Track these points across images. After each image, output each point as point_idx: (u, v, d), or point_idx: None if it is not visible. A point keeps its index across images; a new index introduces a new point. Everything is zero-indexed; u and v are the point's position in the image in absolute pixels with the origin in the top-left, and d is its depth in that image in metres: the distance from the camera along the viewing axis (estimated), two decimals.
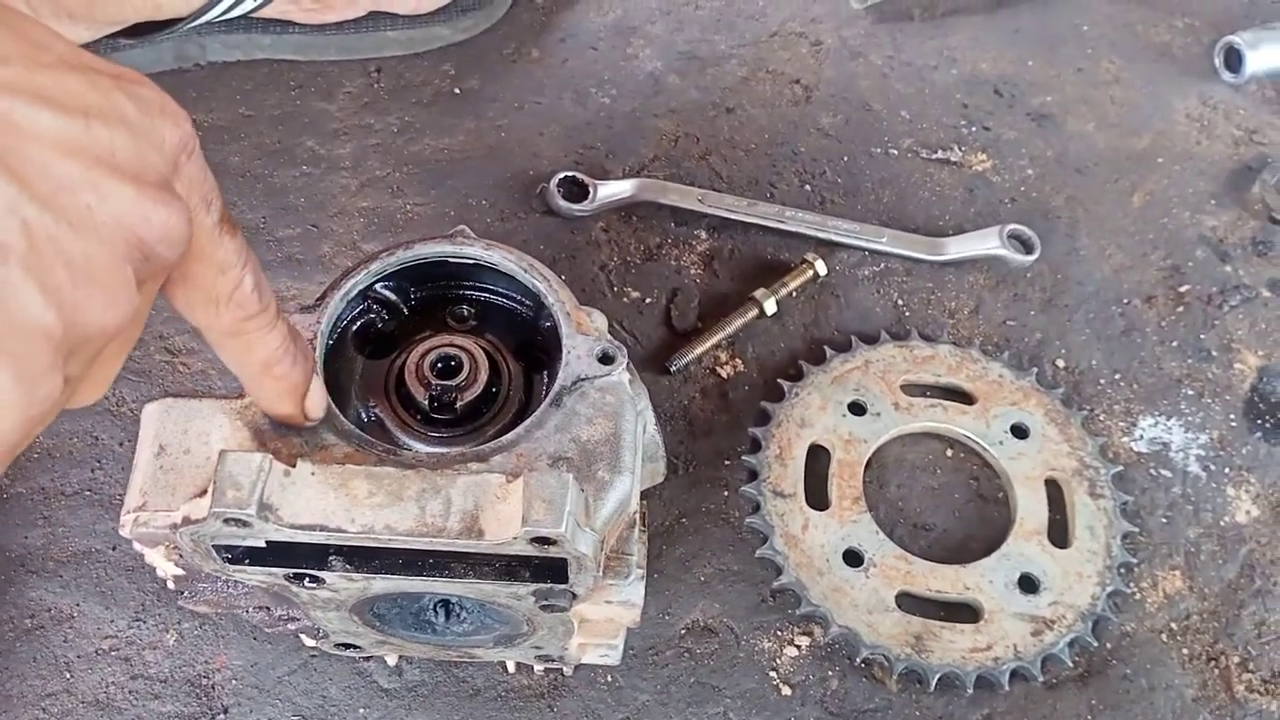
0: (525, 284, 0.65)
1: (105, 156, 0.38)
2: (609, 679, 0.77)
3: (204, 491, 0.55)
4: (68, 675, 0.76)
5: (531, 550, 0.53)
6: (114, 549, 0.80)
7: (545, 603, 0.59)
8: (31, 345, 0.35)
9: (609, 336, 0.63)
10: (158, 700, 0.75)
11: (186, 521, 0.53)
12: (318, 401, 0.56)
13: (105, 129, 0.38)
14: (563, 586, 0.57)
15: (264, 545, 0.55)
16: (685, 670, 0.77)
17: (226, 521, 0.52)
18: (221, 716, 0.75)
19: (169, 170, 0.41)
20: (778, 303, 0.92)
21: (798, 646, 0.79)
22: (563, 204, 0.97)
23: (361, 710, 0.75)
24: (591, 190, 0.98)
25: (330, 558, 0.57)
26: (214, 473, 0.52)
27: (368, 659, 0.76)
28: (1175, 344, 0.94)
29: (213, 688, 0.76)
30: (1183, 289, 0.97)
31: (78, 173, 0.37)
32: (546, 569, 0.57)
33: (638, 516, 0.62)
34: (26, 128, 0.36)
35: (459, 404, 0.62)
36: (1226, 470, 0.87)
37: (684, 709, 0.76)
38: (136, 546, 0.58)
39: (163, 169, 0.41)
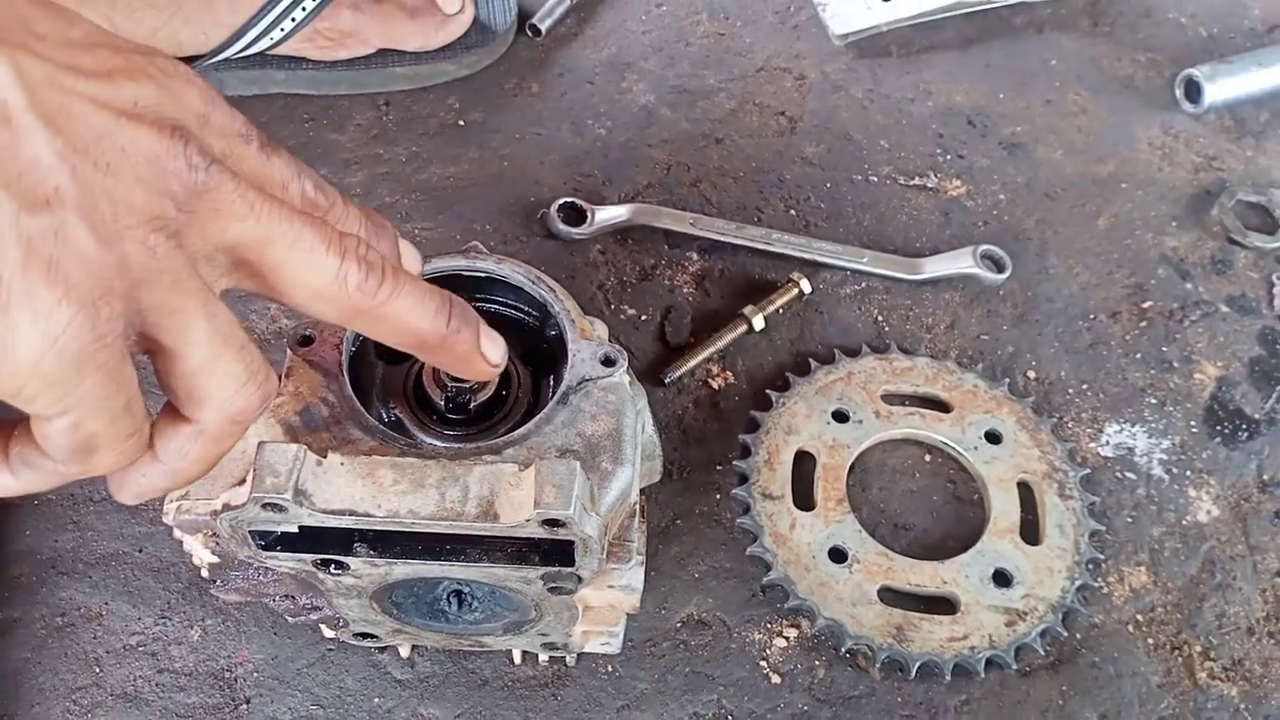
0: (533, 295, 0.70)
1: (129, 108, 0.43)
2: (609, 669, 0.81)
3: (242, 481, 0.60)
4: (97, 670, 0.80)
5: (542, 532, 0.58)
6: (140, 551, 0.85)
7: (553, 585, 0.64)
8: (88, 274, 0.39)
9: (610, 342, 0.68)
10: (183, 692, 0.80)
11: (227, 507, 0.58)
12: (495, 344, 0.56)
13: (131, 84, 0.43)
14: (569, 569, 0.62)
15: (295, 531, 0.60)
16: (681, 660, 0.82)
17: (264, 506, 0.57)
18: (244, 707, 0.79)
19: (193, 122, 0.46)
20: (765, 319, 0.97)
21: (786, 638, 0.83)
22: (562, 228, 1.03)
23: (376, 700, 0.79)
24: (589, 215, 1.03)
25: (355, 544, 0.62)
26: (253, 462, 0.57)
27: (382, 650, 0.81)
28: (1139, 356, 0.99)
29: (235, 680, 0.80)
30: (1146, 305, 1.03)
31: (109, 122, 0.42)
32: (555, 554, 0.62)
33: (638, 507, 0.67)
34: (67, 88, 0.41)
35: (472, 405, 0.67)
36: (1188, 473, 0.93)
37: (680, 696, 0.80)
38: (177, 534, 0.63)
39: (182, 118, 0.45)
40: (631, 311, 1.00)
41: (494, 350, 0.56)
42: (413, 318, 0.52)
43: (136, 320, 0.43)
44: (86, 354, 0.40)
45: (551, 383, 0.71)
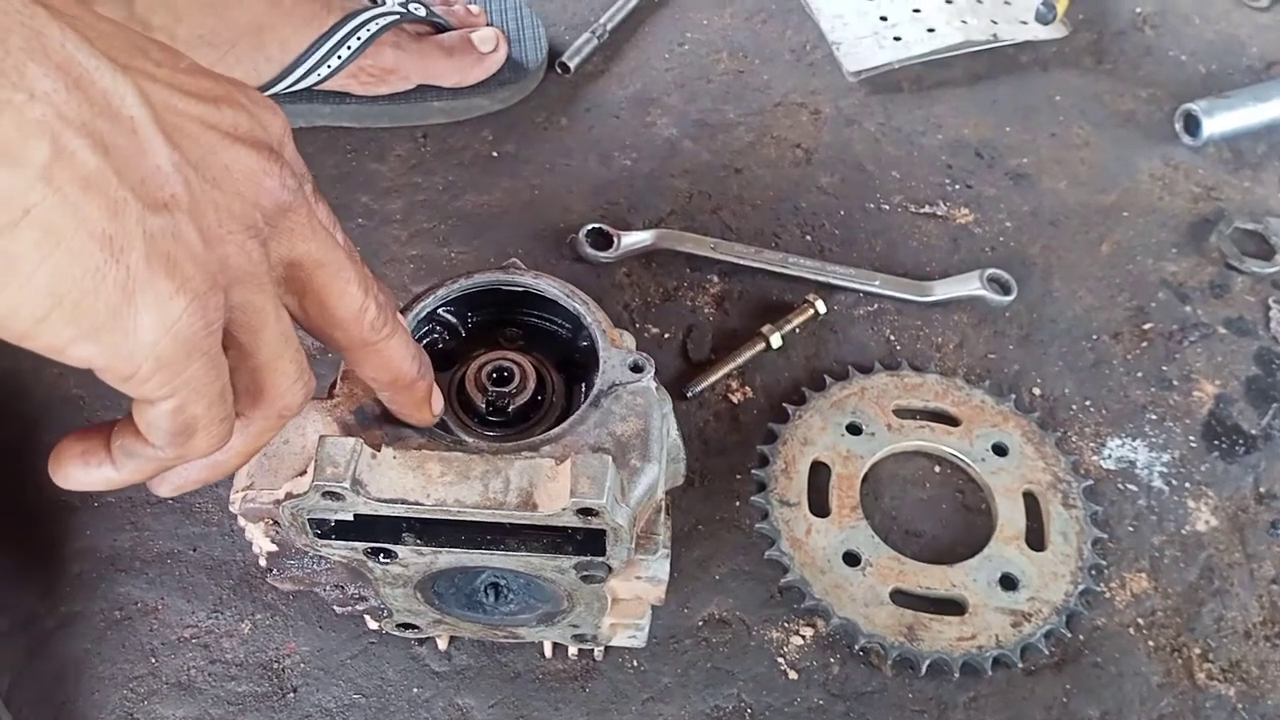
0: (567, 307, 0.76)
1: (232, 130, 0.49)
2: (635, 663, 0.86)
3: (303, 473, 0.65)
4: (153, 660, 0.85)
5: (577, 521, 0.63)
6: (194, 550, 0.90)
7: (586, 573, 0.69)
8: (199, 270, 0.45)
9: (638, 352, 0.74)
10: (234, 681, 0.84)
11: (289, 496, 0.63)
12: (438, 399, 0.67)
13: (231, 110, 0.49)
14: (601, 559, 0.67)
15: (350, 520, 0.65)
16: (703, 656, 0.86)
17: (324, 495, 0.62)
18: (291, 695, 0.84)
19: (276, 145, 0.52)
20: (782, 338, 1.03)
21: (802, 636, 0.88)
22: (590, 252, 1.09)
23: (415, 690, 0.84)
24: (616, 240, 1.09)
25: (403, 534, 0.67)
26: (314, 454, 0.62)
27: (421, 643, 0.86)
28: (1140, 374, 1.04)
29: (283, 670, 0.85)
30: (1146, 326, 1.07)
31: (216, 141, 0.48)
32: (587, 544, 0.67)
33: (664, 504, 0.72)
34: (181, 110, 0.47)
35: (511, 408, 0.73)
36: (1187, 485, 0.97)
37: (702, 690, 0.85)
38: (240, 522, 0.68)
39: (271, 142, 0.52)
40: (655, 330, 1.05)
41: (438, 403, 0.68)
42: (398, 358, 0.61)
43: (225, 317, 0.49)
44: (196, 340, 0.46)
45: (583, 389, 0.76)
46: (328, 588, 0.75)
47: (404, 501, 0.63)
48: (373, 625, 0.82)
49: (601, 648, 0.84)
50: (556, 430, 0.69)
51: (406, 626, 0.80)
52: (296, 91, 1.14)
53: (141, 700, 0.83)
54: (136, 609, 0.88)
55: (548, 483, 0.64)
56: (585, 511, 0.62)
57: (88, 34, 0.42)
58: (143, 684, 0.84)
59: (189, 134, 0.47)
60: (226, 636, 0.86)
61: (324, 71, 1.12)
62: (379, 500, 0.63)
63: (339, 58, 1.12)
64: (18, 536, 0.90)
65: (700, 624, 0.88)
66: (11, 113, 0.38)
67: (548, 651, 0.85)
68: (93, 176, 0.41)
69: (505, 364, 0.73)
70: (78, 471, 0.52)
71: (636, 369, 0.72)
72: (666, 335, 1.05)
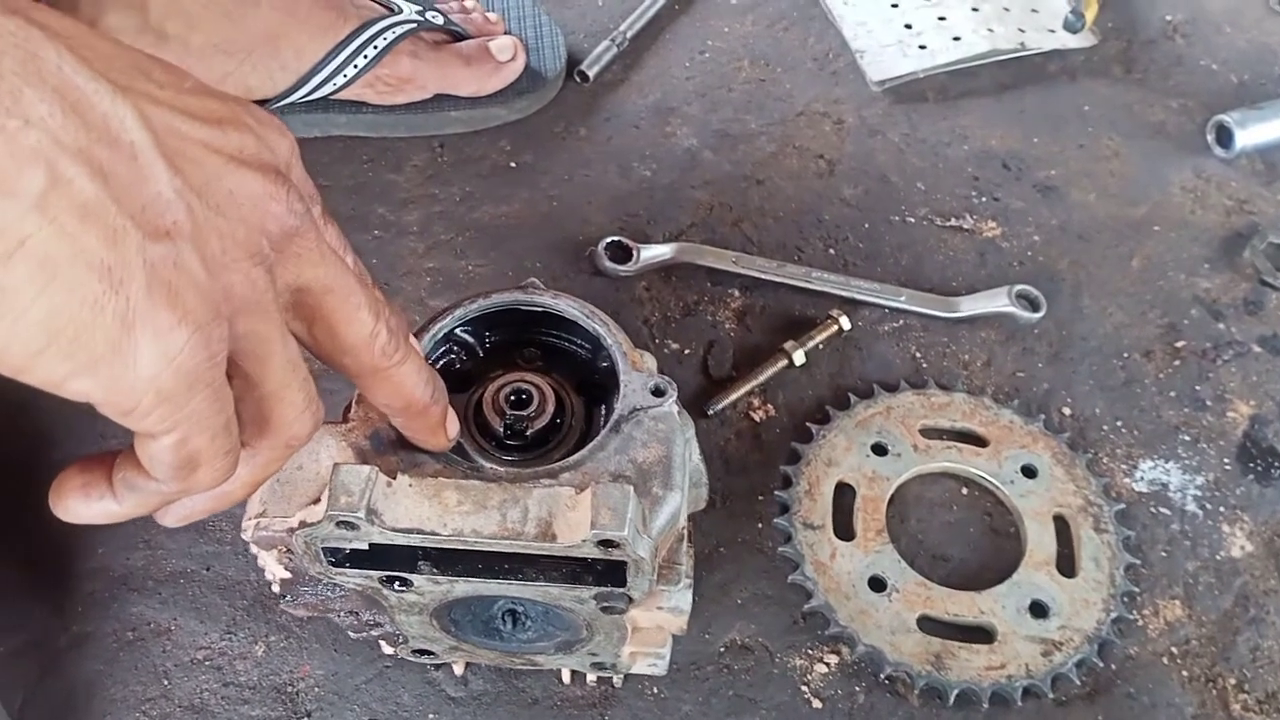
0: (586, 328, 0.74)
1: (237, 153, 0.47)
2: (655, 691, 0.84)
3: (317, 500, 0.64)
4: (165, 682, 0.84)
5: (597, 553, 0.62)
6: (208, 570, 0.89)
7: (605, 604, 0.67)
8: (201, 300, 0.43)
9: (659, 374, 0.72)
10: (247, 705, 0.83)
11: (303, 525, 0.62)
12: (454, 423, 0.65)
13: (236, 133, 0.48)
14: (621, 589, 0.65)
15: (365, 548, 0.63)
16: (724, 684, 0.84)
17: (339, 524, 0.61)
18: (305, 719, 0.83)
19: (284, 168, 0.50)
20: (806, 354, 1.01)
21: (827, 664, 0.86)
22: (609, 265, 1.07)
23: (431, 716, 0.82)
24: (635, 253, 1.07)
25: (419, 562, 0.65)
26: (328, 482, 0.61)
27: (437, 668, 0.84)
28: (1173, 394, 1.02)
29: (297, 694, 0.83)
30: (1179, 344, 1.05)
31: (220, 165, 0.46)
32: (608, 574, 0.65)
33: (686, 532, 0.70)
34: (184, 134, 0.45)
35: (529, 431, 0.71)
36: (1221, 509, 0.95)
37: (723, 719, 0.83)
38: (253, 549, 0.67)
39: (278, 165, 0.50)
40: (675, 346, 1.03)
41: (453, 427, 0.65)
42: (410, 383, 0.59)
43: (229, 347, 0.47)
44: (198, 373, 0.44)
45: (603, 411, 0.74)
46: (342, 614, 0.73)
47: (420, 531, 0.61)
48: (388, 650, 0.80)
49: (621, 675, 0.82)
50: (576, 457, 0.67)
51: (422, 653, 0.78)
52: (312, 100, 1.12)
53: None
54: (149, 629, 0.86)
55: (567, 513, 0.62)
56: (606, 543, 0.61)
57: (86, 55, 0.41)
58: (155, 706, 0.83)
59: (192, 158, 0.45)
60: (240, 659, 0.85)
61: (340, 80, 1.10)
62: (394, 530, 0.61)
63: (355, 66, 1.10)
64: (29, 554, 0.89)
65: (722, 650, 0.86)
66: (4, 140, 0.37)
67: (566, 678, 0.83)
68: (91, 205, 0.39)
69: (524, 386, 0.72)
70: (79, 504, 0.51)
71: (658, 393, 0.70)
72: (687, 351, 1.03)
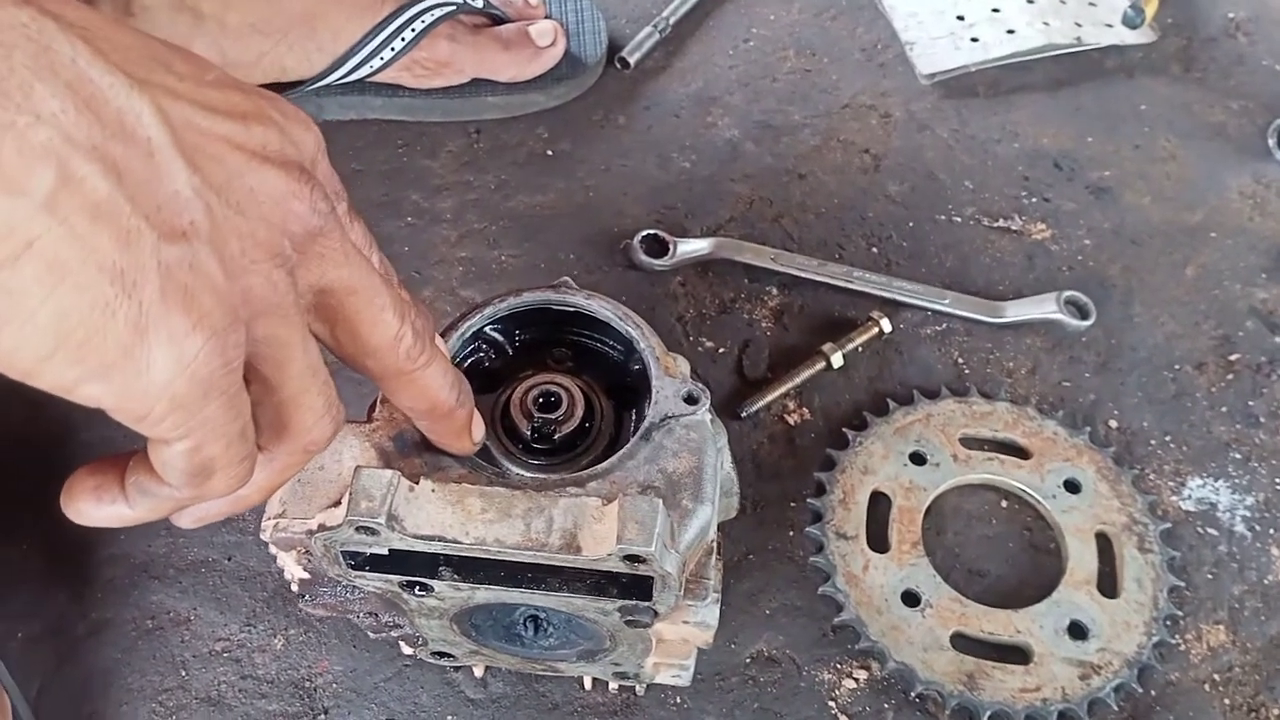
0: (619, 330, 0.72)
1: (260, 150, 0.45)
2: (678, 700, 0.82)
3: (337, 503, 0.62)
4: (183, 673, 0.83)
5: (622, 567, 0.60)
6: (229, 559, 0.88)
7: (630, 618, 0.65)
8: (218, 304, 0.41)
9: (692, 379, 0.70)
10: (265, 699, 0.82)
11: (322, 528, 0.60)
12: (479, 427, 0.64)
13: (260, 128, 0.46)
14: (647, 604, 0.63)
15: (385, 553, 0.62)
16: (750, 696, 0.82)
17: (358, 529, 0.59)
18: (322, 717, 0.81)
19: (309, 164, 0.48)
20: (844, 357, 0.98)
21: (856, 679, 0.83)
22: (644, 259, 1.04)
23: (450, 717, 0.81)
24: (671, 247, 1.05)
25: (440, 568, 0.63)
26: (349, 485, 0.59)
27: (457, 669, 0.83)
28: (1224, 409, 0.98)
29: (315, 690, 0.82)
30: (1233, 357, 1.01)
31: (242, 163, 0.44)
32: (633, 587, 0.63)
33: (715, 544, 0.68)
34: (204, 129, 0.43)
35: (557, 435, 0.69)
36: (1272, 531, 0.91)
37: None
38: (272, 549, 0.65)
39: (302, 161, 0.48)
40: (710, 344, 1.01)
41: (478, 430, 0.64)
42: (435, 386, 0.58)
43: (248, 350, 0.45)
44: (214, 379, 0.42)
45: (633, 417, 0.72)
46: (361, 615, 0.72)
47: (441, 539, 0.59)
48: (407, 650, 0.79)
49: (643, 684, 0.81)
50: (604, 465, 0.65)
51: (442, 655, 0.77)
52: (348, 83, 1.10)
53: (170, 714, 0.81)
54: (168, 618, 0.86)
55: (593, 524, 0.60)
56: (632, 558, 0.59)
57: (103, 47, 0.39)
58: (172, 697, 0.82)
59: (212, 155, 0.43)
60: (259, 651, 0.84)
61: (377, 63, 1.08)
62: (415, 536, 0.59)
63: (393, 49, 1.08)
64: (49, 539, 0.88)
65: (748, 661, 0.84)
66: (14, 137, 0.35)
67: (587, 684, 0.81)
68: (103, 204, 0.37)
69: (553, 389, 0.70)
70: (90, 507, 0.49)
71: (691, 400, 0.68)
72: (721, 350, 1.01)
